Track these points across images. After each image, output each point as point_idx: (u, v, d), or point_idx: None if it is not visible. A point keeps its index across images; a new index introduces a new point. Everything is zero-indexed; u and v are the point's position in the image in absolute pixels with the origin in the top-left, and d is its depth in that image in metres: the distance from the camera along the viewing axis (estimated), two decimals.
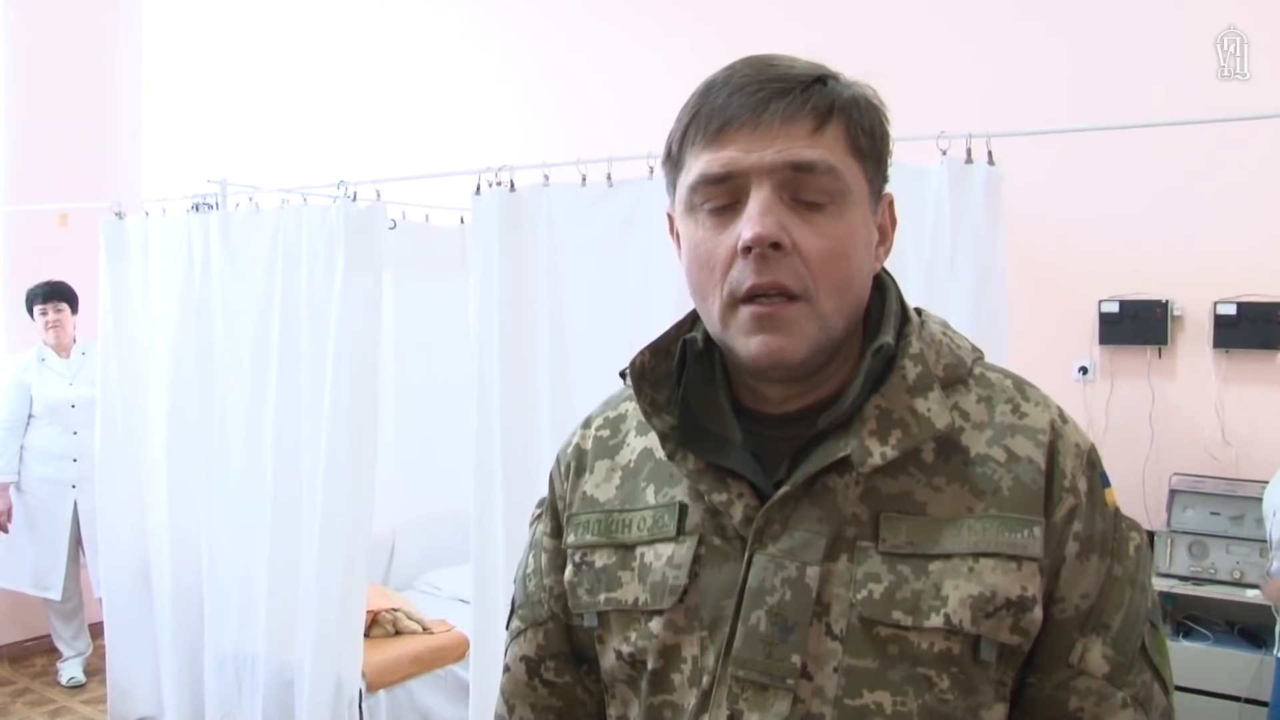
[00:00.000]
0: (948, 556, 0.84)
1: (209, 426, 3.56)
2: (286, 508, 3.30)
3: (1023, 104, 3.45)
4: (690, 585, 0.89)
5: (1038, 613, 0.85)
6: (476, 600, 2.90)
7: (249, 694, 3.45)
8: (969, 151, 2.40)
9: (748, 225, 0.82)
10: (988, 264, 2.39)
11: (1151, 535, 3.18)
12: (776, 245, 0.82)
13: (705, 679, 0.87)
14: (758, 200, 0.83)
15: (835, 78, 0.87)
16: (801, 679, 0.83)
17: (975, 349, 0.95)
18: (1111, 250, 3.45)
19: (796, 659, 0.83)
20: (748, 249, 0.82)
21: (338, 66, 5.12)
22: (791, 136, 0.83)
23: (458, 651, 3.54)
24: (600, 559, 0.95)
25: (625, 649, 0.92)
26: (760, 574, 0.85)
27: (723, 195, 0.85)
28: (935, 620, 0.82)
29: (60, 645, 4.57)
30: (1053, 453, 0.88)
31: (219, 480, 3.54)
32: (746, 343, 0.84)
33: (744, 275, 0.83)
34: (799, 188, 0.83)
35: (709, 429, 0.90)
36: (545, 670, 1.04)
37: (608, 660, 0.96)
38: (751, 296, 0.83)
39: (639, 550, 0.93)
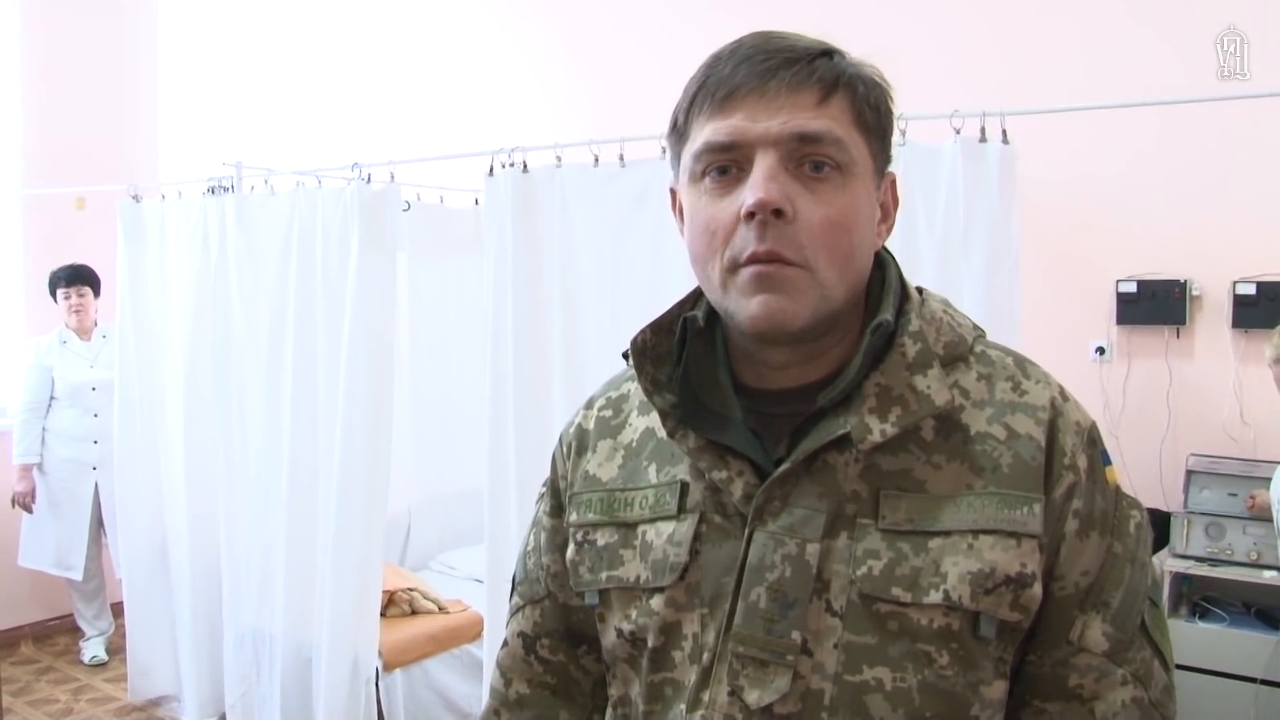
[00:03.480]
0: (947, 533, 0.84)
1: (226, 407, 3.59)
2: (303, 487, 3.32)
3: (1038, 83, 3.41)
4: (691, 563, 0.89)
5: (1037, 589, 0.85)
6: (491, 580, 2.92)
7: (267, 672, 3.49)
8: (983, 130, 2.38)
9: (751, 191, 0.82)
10: (1001, 243, 2.37)
11: (1168, 516, 3.16)
12: (779, 212, 0.82)
13: (706, 656, 0.87)
14: (762, 167, 0.83)
15: (840, 53, 0.87)
16: (801, 655, 0.84)
17: (976, 327, 0.94)
18: (1129, 230, 3.42)
19: (796, 635, 0.83)
20: (751, 214, 0.82)
21: (351, 49, 5.11)
22: (797, 106, 0.83)
23: (473, 631, 3.56)
24: (602, 537, 0.96)
25: (626, 627, 0.93)
26: (760, 551, 0.85)
27: (728, 163, 0.85)
28: (934, 597, 0.82)
29: (83, 624, 4.62)
30: (1053, 430, 0.87)
31: (236, 460, 3.57)
32: (747, 304, 0.84)
33: (745, 242, 0.83)
34: (804, 158, 0.83)
35: (709, 407, 0.90)
36: (540, 647, 1.05)
37: (608, 638, 0.96)
38: (751, 261, 0.83)
39: (641, 528, 0.93)
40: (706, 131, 0.85)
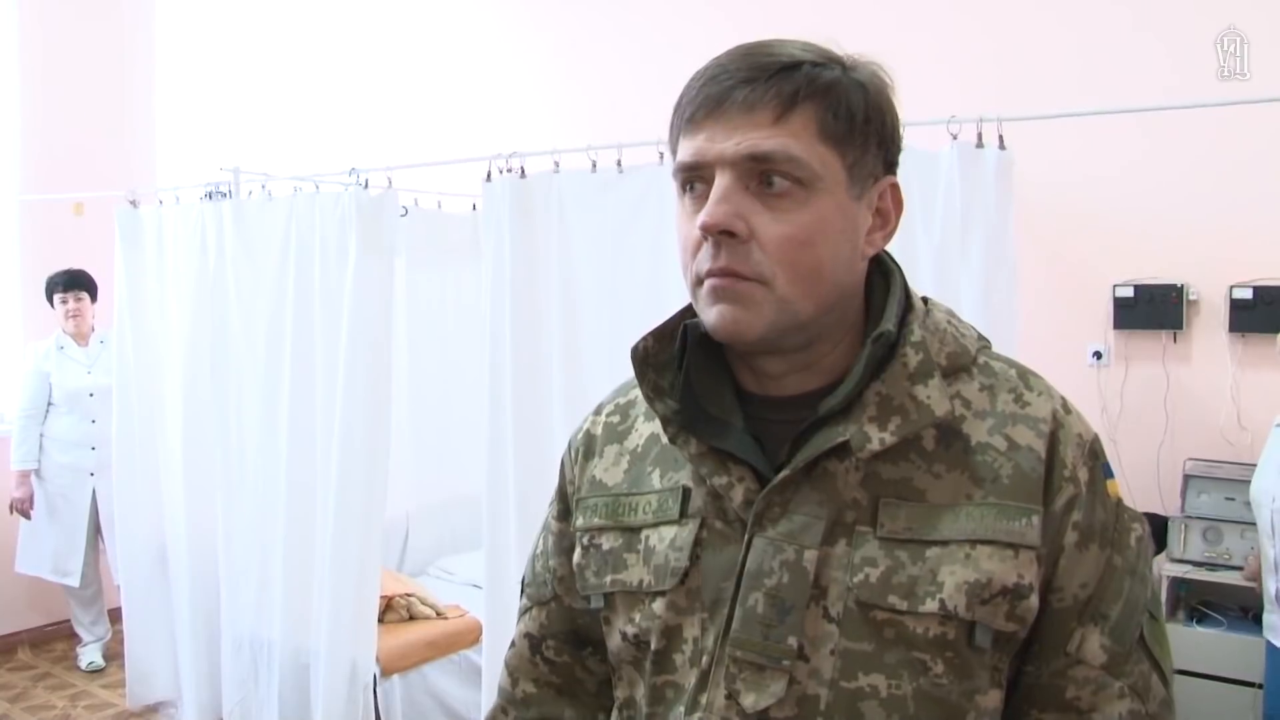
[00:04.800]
0: (945, 543, 0.84)
1: (224, 413, 3.59)
2: (301, 493, 3.32)
3: (1035, 88, 3.42)
4: (692, 567, 0.90)
5: (1033, 601, 0.85)
6: (489, 585, 2.92)
7: (265, 678, 3.48)
8: (980, 136, 2.39)
9: (703, 212, 0.84)
10: (999, 248, 2.38)
11: (1165, 521, 3.16)
12: (729, 233, 0.83)
13: (705, 659, 0.88)
14: (717, 189, 0.84)
15: (819, 62, 0.86)
16: (798, 660, 0.84)
17: (981, 338, 0.95)
18: (1126, 234, 3.42)
19: (793, 641, 0.84)
20: (705, 234, 0.84)
21: (349, 55, 5.12)
22: (753, 125, 0.83)
23: (471, 636, 3.57)
24: (607, 541, 0.97)
25: (630, 630, 0.94)
26: (759, 556, 0.86)
27: (696, 180, 0.87)
28: (931, 605, 0.83)
29: (80, 630, 4.62)
30: (1054, 442, 0.88)
31: (234, 466, 3.57)
32: (708, 313, 0.86)
33: (705, 259, 0.85)
34: (762, 176, 0.84)
35: (711, 413, 0.91)
36: (546, 648, 1.07)
37: (614, 641, 0.97)
38: (709, 277, 0.85)
39: (644, 533, 0.94)
40: (680, 151, 0.88)
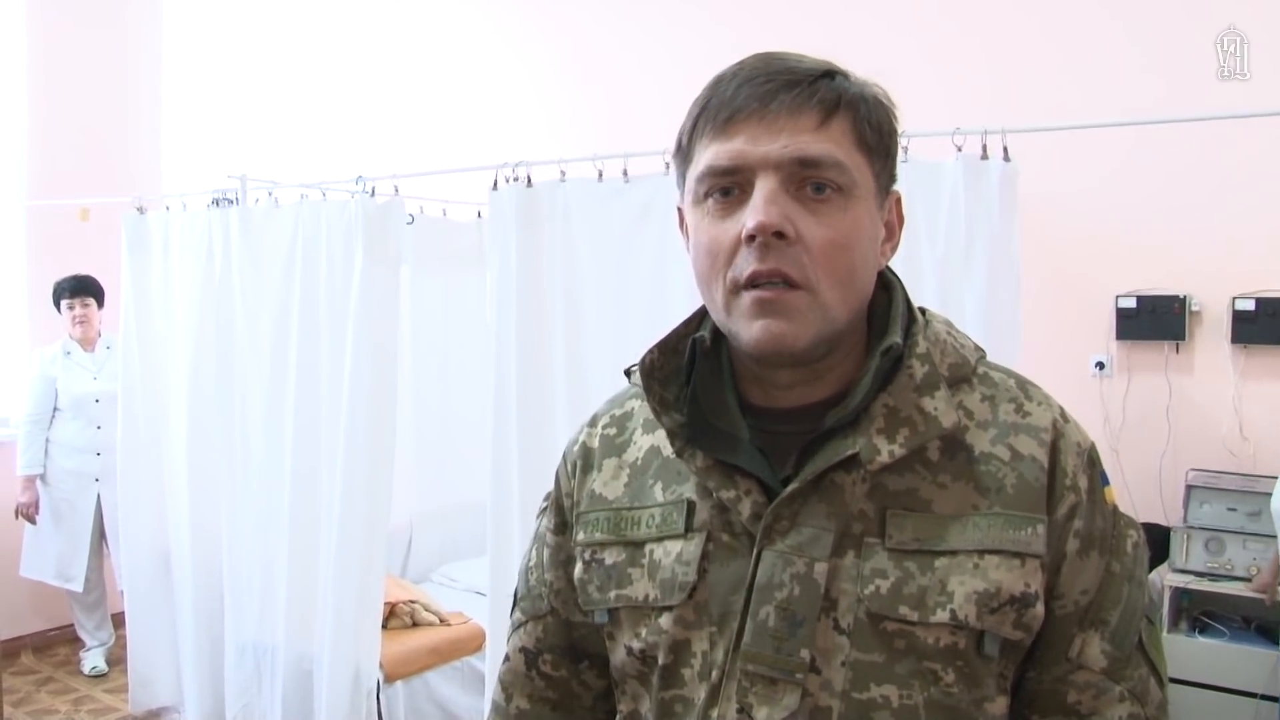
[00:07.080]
0: (953, 553, 0.85)
1: (229, 419, 3.60)
2: (305, 499, 3.33)
3: (1038, 100, 3.43)
4: (699, 581, 0.90)
5: (1040, 609, 0.86)
6: (493, 593, 2.92)
7: (268, 684, 3.49)
8: (984, 147, 2.40)
9: (752, 214, 0.83)
10: (1003, 259, 2.38)
11: (1168, 531, 3.17)
12: (780, 234, 0.83)
13: (715, 673, 0.88)
14: (763, 190, 0.83)
15: (844, 74, 0.88)
16: (810, 673, 0.84)
17: (978, 348, 0.95)
18: (1129, 245, 3.44)
19: (805, 653, 0.84)
20: (751, 237, 0.83)
21: (356, 62, 5.14)
22: (798, 129, 0.84)
23: (474, 643, 3.57)
24: (610, 556, 0.96)
25: (636, 645, 0.94)
26: (769, 570, 0.86)
27: (730, 185, 0.86)
28: (941, 615, 0.84)
29: (83, 635, 4.62)
30: (1055, 451, 0.89)
31: (239, 472, 3.58)
32: (749, 327, 0.85)
33: (746, 262, 0.84)
34: (805, 180, 0.84)
35: (717, 426, 0.91)
36: (543, 663, 1.06)
37: (618, 656, 0.97)
38: (753, 282, 0.84)
39: (648, 547, 0.94)
40: (709, 154, 0.86)
